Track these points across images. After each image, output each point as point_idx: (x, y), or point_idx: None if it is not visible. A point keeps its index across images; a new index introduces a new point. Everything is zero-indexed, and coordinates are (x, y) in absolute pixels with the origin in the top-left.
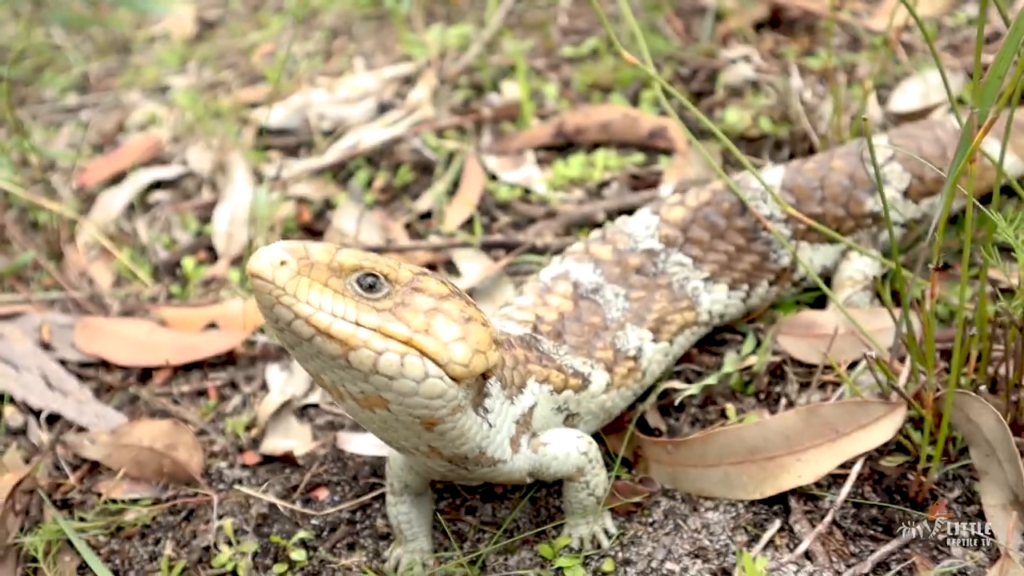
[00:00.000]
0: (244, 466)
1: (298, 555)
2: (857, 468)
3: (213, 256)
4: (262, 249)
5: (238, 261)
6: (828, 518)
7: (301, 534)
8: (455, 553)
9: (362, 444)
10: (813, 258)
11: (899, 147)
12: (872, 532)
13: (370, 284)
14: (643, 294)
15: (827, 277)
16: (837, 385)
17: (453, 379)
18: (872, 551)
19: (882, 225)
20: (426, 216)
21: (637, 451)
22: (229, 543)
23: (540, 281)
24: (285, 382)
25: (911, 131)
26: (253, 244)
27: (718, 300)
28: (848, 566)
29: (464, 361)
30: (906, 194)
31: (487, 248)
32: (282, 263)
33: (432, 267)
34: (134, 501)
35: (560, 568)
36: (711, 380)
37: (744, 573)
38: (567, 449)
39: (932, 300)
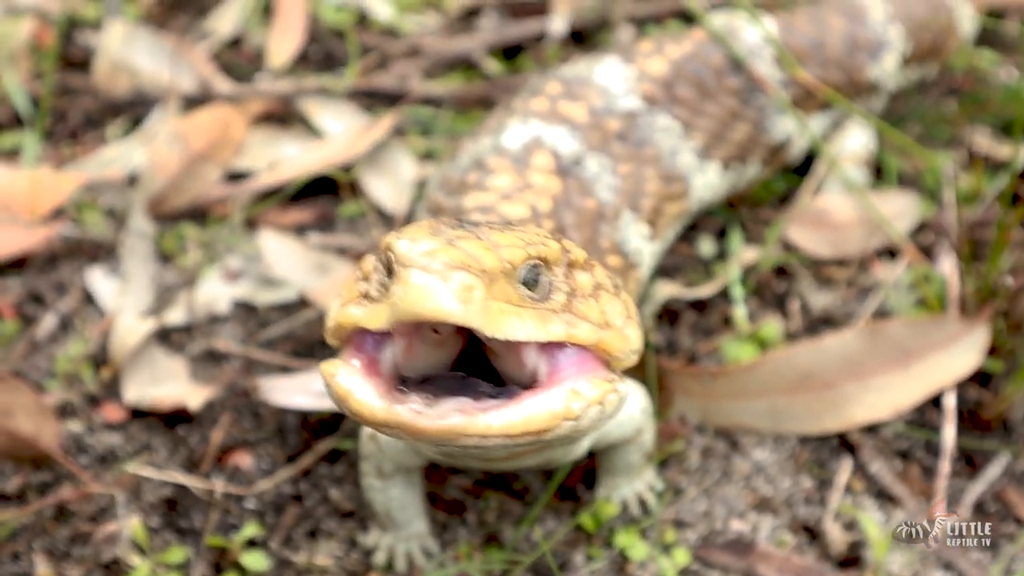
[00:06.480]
0: (109, 426)
1: (252, 559)
2: (953, 403)
3: None
4: (412, 254)
5: None
6: (945, 466)
7: (248, 531)
8: (462, 530)
9: (283, 391)
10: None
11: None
12: (953, 468)
13: (535, 276)
14: (630, 168)
15: (814, 154)
16: (851, 283)
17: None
18: (962, 490)
19: (879, 94)
20: (234, 44)
21: (658, 380)
22: (142, 551)
23: (505, 149)
24: (118, 292)
25: None
26: None
27: (710, 184)
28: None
29: (638, 347)
30: (906, 60)
31: (357, 98)
32: (467, 288)
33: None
34: None
35: (614, 547)
36: (736, 288)
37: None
38: (630, 411)
39: None
